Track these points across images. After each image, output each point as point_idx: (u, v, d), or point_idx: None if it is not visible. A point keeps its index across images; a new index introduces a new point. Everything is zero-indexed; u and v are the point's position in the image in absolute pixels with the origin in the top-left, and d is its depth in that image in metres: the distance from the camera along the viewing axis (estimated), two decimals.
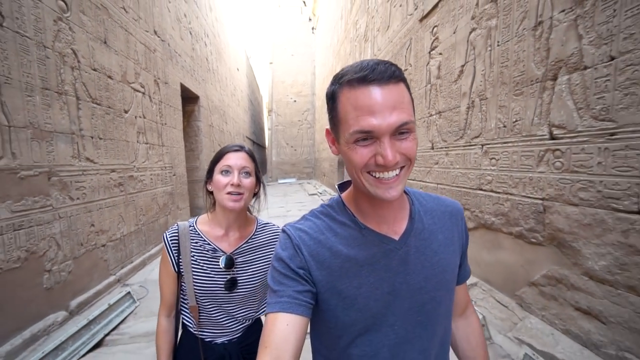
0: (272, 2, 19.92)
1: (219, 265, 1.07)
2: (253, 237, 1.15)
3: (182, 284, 1.09)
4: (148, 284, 3.87)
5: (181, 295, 1.11)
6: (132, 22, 4.61)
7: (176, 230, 1.09)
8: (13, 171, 2.44)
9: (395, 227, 0.68)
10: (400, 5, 5.02)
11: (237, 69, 15.87)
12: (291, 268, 0.64)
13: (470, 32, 3.10)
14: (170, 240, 1.08)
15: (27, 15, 2.64)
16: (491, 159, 2.81)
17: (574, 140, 1.98)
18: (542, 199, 2.24)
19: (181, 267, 1.06)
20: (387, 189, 0.58)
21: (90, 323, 2.71)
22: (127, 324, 3.01)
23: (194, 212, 7.95)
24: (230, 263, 1.07)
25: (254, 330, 1.16)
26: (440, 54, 3.73)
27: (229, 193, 1.03)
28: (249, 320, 1.15)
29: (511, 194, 2.56)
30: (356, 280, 0.64)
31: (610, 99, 1.75)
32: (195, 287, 1.05)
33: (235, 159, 1.05)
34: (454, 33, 3.41)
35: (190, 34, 7.75)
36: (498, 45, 2.70)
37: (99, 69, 3.66)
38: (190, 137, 8.11)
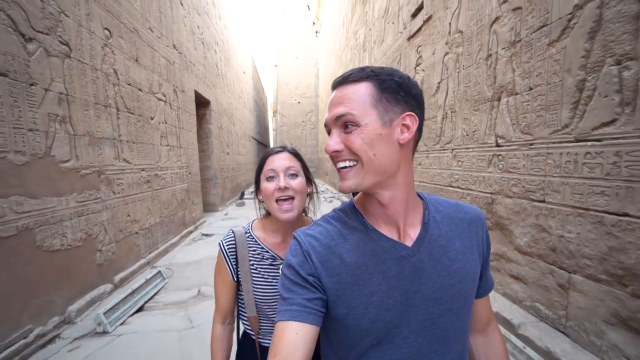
0: (277, 7, 20.56)
1: (279, 273, 1.01)
2: None
3: (240, 292, 1.05)
4: (172, 266, 4.55)
5: (240, 303, 1.06)
6: (156, 40, 5.28)
7: (233, 238, 1.04)
8: (76, 170, 3.11)
9: (408, 233, 0.66)
10: (393, 23, 5.64)
11: (244, 72, 16.54)
12: (301, 275, 0.63)
13: (445, 55, 3.72)
14: (228, 248, 1.03)
15: (85, 45, 3.31)
16: (458, 161, 3.43)
17: (510, 148, 2.60)
18: (490, 193, 2.87)
19: (240, 276, 1.02)
20: (343, 180, 0.62)
21: (133, 292, 3.38)
22: (159, 296, 3.68)
23: (206, 207, 8.65)
24: None
25: None
26: (423, 70, 4.35)
27: (277, 201, 0.97)
28: None
29: (471, 190, 3.18)
30: (367, 289, 0.63)
31: (530, 118, 2.37)
32: (256, 297, 1.00)
33: (279, 161, 0.99)
34: (433, 54, 4.02)
35: (203, 43, 8.42)
36: (463, 69, 3.32)
37: (132, 83, 4.33)
38: (202, 138, 8.78)
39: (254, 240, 1.05)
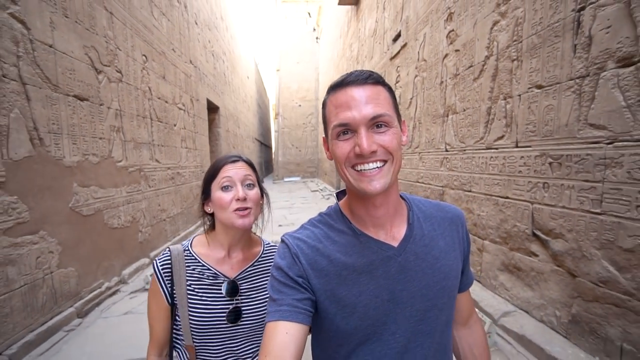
0: (279, 14, 21.50)
1: (220, 293, 0.92)
2: (260, 259, 1.02)
3: (177, 317, 0.93)
4: None
5: (175, 331, 0.95)
6: (177, 58, 6.22)
7: (168, 257, 0.93)
8: (126, 168, 4.04)
9: (394, 234, 0.68)
10: (380, 43, 6.56)
11: (248, 77, 17.50)
12: (290, 277, 0.64)
13: (415, 77, 4.64)
14: (162, 268, 0.91)
15: (130, 70, 4.24)
16: (423, 162, 4.35)
17: (453, 153, 3.52)
18: (442, 187, 3.78)
19: (175, 299, 0.91)
20: (370, 181, 0.59)
21: None
22: None
23: None
24: (233, 289, 0.93)
25: None
26: (401, 87, 5.27)
27: (235, 210, 0.89)
28: (256, 359, 0.96)
29: (430, 184, 4.10)
30: (355, 288, 0.64)
31: (464, 132, 3.29)
32: (191, 322, 0.90)
33: (236, 170, 0.93)
34: (407, 75, 4.94)
35: (213, 55, 9.36)
36: (426, 90, 4.24)
37: (161, 97, 5.27)
38: (212, 141, 9.72)
39: (193, 257, 0.94)
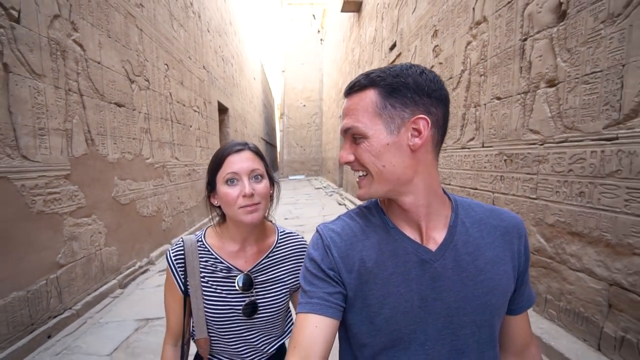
0: (285, 16, 22.07)
1: (234, 287, 0.90)
2: (275, 249, 0.97)
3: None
4: None
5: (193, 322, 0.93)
6: (193, 64, 6.81)
7: (181, 247, 0.91)
8: (152, 164, 4.63)
9: (432, 235, 0.63)
10: (378, 50, 7.09)
11: (254, 78, 18.09)
12: (322, 269, 0.63)
13: None
14: (175, 259, 0.89)
15: (155, 78, 4.83)
16: None
17: None
18: None
19: (189, 290, 0.89)
20: (359, 187, 0.62)
21: None
22: None
23: None
24: (248, 283, 0.90)
25: (278, 358, 1.00)
26: None
27: (242, 207, 0.84)
28: (273, 349, 0.97)
29: None
30: (385, 289, 0.61)
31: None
32: (207, 315, 0.89)
33: (241, 162, 0.86)
34: None
35: (222, 60, 9.94)
36: None
37: (179, 101, 5.86)
38: (222, 140, 10.31)
39: (206, 249, 0.92)
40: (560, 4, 2.11)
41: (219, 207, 0.92)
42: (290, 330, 0.96)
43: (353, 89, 0.60)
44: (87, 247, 3.08)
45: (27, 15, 2.44)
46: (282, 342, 1.00)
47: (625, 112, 1.70)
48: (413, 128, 0.57)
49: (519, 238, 0.65)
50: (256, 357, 0.95)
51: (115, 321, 2.82)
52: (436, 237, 0.63)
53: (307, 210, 8.66)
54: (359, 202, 8.52)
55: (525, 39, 2.45)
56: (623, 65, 1.71)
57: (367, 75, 0.59)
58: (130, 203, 3.95)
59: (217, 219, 0.98)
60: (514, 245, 0.64)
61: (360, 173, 0.61)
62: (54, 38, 2.71)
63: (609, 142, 1.80)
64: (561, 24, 2.11)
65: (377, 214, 0.68)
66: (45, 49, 2.61)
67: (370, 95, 0.58)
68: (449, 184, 3.69)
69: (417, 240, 0.63)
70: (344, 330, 0.69)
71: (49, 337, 2.47)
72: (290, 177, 21.25)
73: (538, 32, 2.31)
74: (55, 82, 2.72)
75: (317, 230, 0.69)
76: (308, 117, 21.92)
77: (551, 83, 2.21)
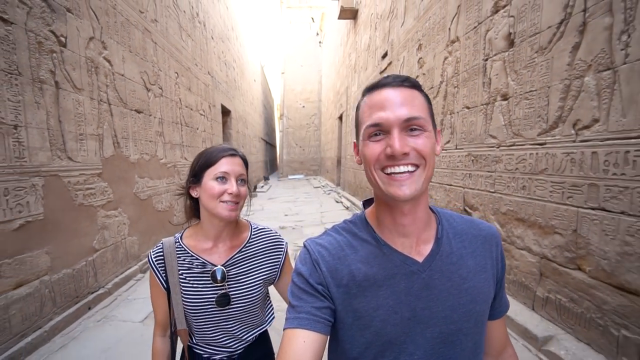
0: (284, 19, 22.55)
1: (209, 280, 0.98)
2: (247, 245, 1.05)
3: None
4: None
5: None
6: (199, 71, 7.29)
7: (161, 249, 0.99)
8: (165, 164, 5.12)
9: (420, 249, 0.65)
10: (372, 57, 7.58)
11: (254, 80, 18.56)
12: (310, 284, 0.63)
13: None
14: (156, 260, 0.99)
15: (167, 86, 5.31)
16: None
17: None
18: None
19: (169, 287, 0.98)
20: (400, 185, 0.57)
21: None
22: None
23: None
24: (221, 276, 0.98)
25: (259, 344, 1.09)
26: None
27: (225, 202, 0.94)
28: (252, 337, 1.06)
29: None
30: (374, 301, 0.62)
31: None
32: (185, 308, 0.98)
33: (233, 165, 0.97)
34: None
35: (225, 64, 10.42)
36: None
37: (188, 106, 6.34)
38: (224, 141, 10.79)
39: (182, 248, 1.00)
40: (510, 33, 2.60)
41: (194, 200, 1.04)
42: (272, 319, 1.13)
43: (403, 84, 0.60)
44: (115, 236, 3.57)
45: (71, 40, 2.93)
46: (262, 330, 1.09)
47: (549, 124, 2.20)
48: (436, 137, 0.62)
49: (496, 246, 0.69)
50: (236, 345, 1.04)
51: (141, 298, 3.30)
52: (423, 249, 0.64)
53: (306, 207, 9.14)
54: (354, 200, 8.99)
55: (487, 59, 2.94)
56: (548, 87, 2.20)
57: (407, 77, 0.62)
58: (148, 199, 4.43)
59: (189, 213, 1.09)
60: (492, 253, 0.68)
61: (408, 168, 0.57)
62: (89, 57, 3.19)
63: (540, 147, 2.29)
64: (510, 49, 2.60)
65: (364, 229, 0.68)
66: (83, 67, 3.09)
67: (421, 95, 0.61)
68: (430, 182, 4.18)
69: (406, 253, 0.64)
70: (333, 345, 0.69)
71: (89, 308, 2.96)
72: (290, 177, 21.75)
73: (495, 55, 2.80)
74: (90, 95, 3.20)
75: (305, 246, 0.69)
76: (307, 117, 22.41)
77: (504, 97, 2.70)
